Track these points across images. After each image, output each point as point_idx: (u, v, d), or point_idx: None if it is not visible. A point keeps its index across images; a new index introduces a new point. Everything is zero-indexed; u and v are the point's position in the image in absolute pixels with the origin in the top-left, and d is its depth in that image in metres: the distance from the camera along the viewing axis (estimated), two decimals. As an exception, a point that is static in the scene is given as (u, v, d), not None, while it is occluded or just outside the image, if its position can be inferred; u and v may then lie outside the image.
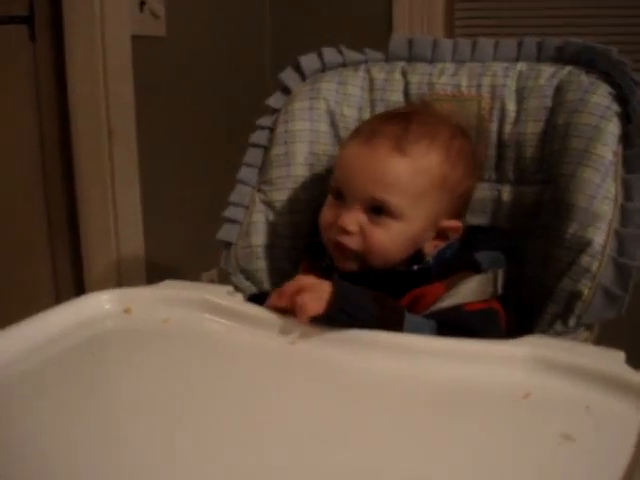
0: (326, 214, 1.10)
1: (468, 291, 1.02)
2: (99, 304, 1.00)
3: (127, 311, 1.00)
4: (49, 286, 2.03)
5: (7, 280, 1.95)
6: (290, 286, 0.94)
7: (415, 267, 1.07)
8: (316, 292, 0.92)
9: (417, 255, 1.08)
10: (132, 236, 2.01)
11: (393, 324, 0.93)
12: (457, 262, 1.07)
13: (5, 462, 0.67)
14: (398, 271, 1.07)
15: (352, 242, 1.05)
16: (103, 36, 1.88)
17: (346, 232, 1.05)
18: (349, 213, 1.05)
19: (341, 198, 1.07)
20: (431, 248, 1.08)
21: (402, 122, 1.07)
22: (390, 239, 1.04)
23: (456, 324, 0.97)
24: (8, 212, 1.94)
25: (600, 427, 0.75)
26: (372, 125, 1.11)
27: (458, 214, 1.11)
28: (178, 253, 2.16)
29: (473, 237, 1.11)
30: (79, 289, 2.00)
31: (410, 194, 1.04)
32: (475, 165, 1.13)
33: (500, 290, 1.05)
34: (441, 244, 1.09)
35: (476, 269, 1.04)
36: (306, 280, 0.95)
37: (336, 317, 0.91)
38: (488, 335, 0.91)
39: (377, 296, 0.96)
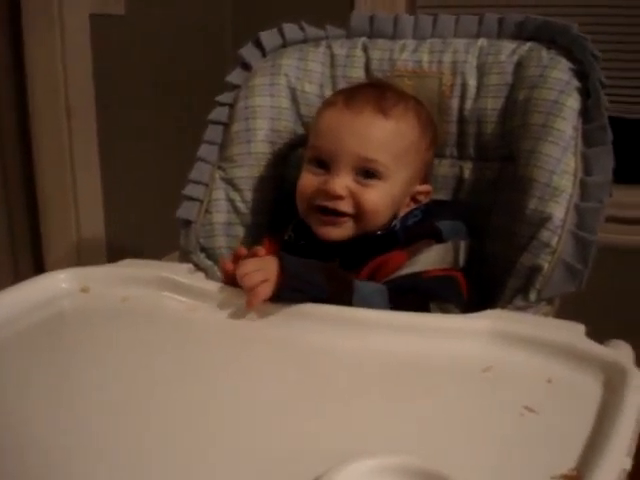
0: (307, 181, 1.09)
1: (428, 259, 1.04)
2: (56, 283, 0.99)
3: (84, 290, 0.99)
4: (8, 268, 2.00)
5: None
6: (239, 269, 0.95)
7: (379, 232, 1.08)
8: (263, 273, 0.92)
9: (394, 220, 1.10)
10: (92, 217, 1.99)
11: (344, 296, 0.95)
12: (419, 230, 1.08)
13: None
14: (362, 237, 1.08)
15: (345, 206, 1.06)
16: (61, 14, 1.85)
17: (336, 197, 1.05)
18: (337, 178, 1.05)
19: (324, 166, 1.07)
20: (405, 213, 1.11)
21: (377, 89, 1.11)
22: (382, 200, 1.06)
23: (413, 289, 0.99)
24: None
25: (561, 399, 0.76)
26: (346, 93, 1.12)
27: (425, 181, 1.14)
28: (139, 235, 2.14)
29: (436, 209, 1.13)
30: (39, 271, 1.97)
31: (394, 155, 1.06)
32: (436, 135, 1.16)
33: (462, 262, 1.06)
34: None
35: (437, 237, 1.06)
36: (249, 264, 0.94)
37: (288, 296, 0.92)
38: (446, 300, 0.93)
39: (327, 270, 0.97)
